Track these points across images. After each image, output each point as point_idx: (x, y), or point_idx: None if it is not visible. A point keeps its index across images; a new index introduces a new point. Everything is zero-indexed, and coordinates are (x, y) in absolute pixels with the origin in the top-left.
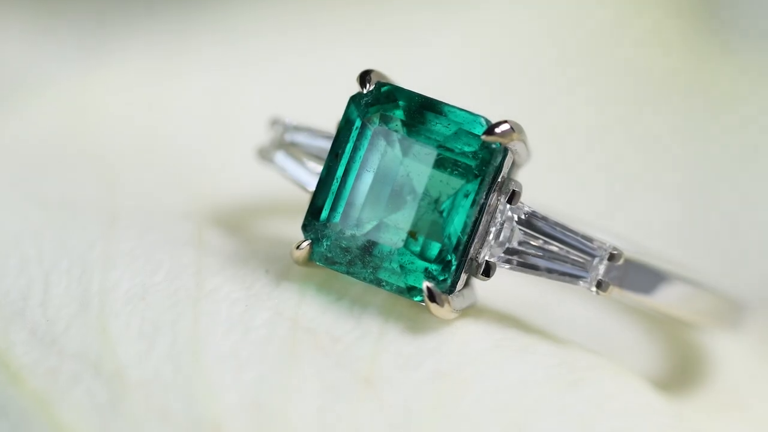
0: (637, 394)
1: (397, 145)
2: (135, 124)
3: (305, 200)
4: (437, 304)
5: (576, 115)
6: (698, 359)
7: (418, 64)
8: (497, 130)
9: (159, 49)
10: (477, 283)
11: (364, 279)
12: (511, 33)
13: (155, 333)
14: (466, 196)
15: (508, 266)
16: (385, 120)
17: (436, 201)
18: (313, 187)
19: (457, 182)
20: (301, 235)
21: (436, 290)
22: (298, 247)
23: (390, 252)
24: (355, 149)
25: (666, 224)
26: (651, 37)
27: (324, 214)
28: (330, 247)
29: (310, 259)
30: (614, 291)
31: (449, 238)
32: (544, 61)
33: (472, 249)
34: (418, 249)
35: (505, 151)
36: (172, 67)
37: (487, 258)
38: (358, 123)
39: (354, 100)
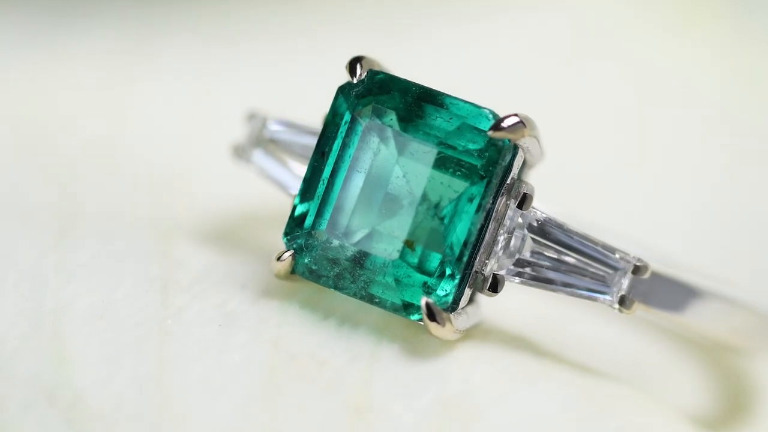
0: (667, 427)
1: (392, 142)
2: (94, 120)
3: (287, 205)
4: (437, 323)
5: (593, 110)
6: (741, 388)
7: (417, 53)
8: (506, 124)
9: (123, 39)
10: (483, 299)
11: (355, 295)
12: (521, 22)
13: (117, 357)
14: (471, 200)
15: (518, 280)
16: (378, 113)
17: (437, 206)
18: (295, 190)
19: (460, 184)
20: (282, 245)
21: (437, 307)
22: (278, 259)
23: (384, 264)
24: (343, 147)
25: (697, 232)
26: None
27: (308, 221)
28: (315, 259)
29: (293, 272)
30: (639, 308)
31: (451, 248)
32: (556, 50)
33: (477, 260)
34: (415, 261)
35: (515, 148)
36: (137, 57)
37: (494, 271)
38: (347, 117)
39: (342, 90)
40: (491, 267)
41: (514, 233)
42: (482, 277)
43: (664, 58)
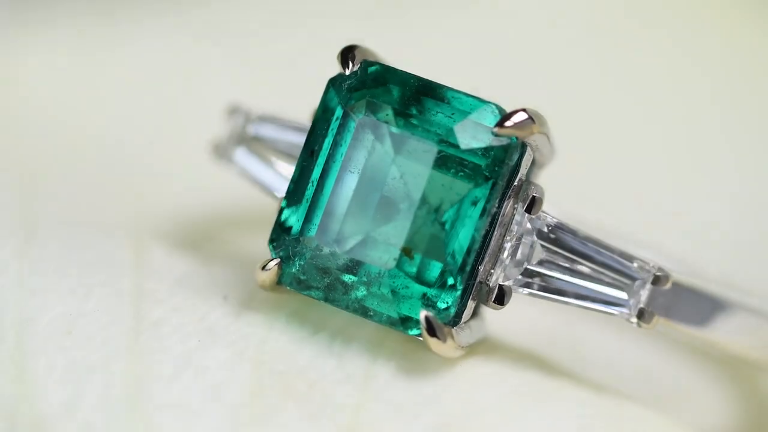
0: None
1: (388, 140)
2: (58, 112)
3: (272, 209)
4: (438, 338)
5: (608, 104)
6: None
7: (415, 42)
8: (513, 120)
9: (93, 24)
10: (488, 312)
11: (347, 308)
12: (531, 8)
13: (85, 376)
14: (475, 203)
15: (526, 291)
16: (372, 108)
17: (437, 210)
18: (282, 193)
19: (462, 186)
20: (267, 253)
21: (437, 321)
22: (264, 268)
23: (379, 274)
24: (335, 145)
25: (723, 239)
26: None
27: (296, 227)
28: (304, 268)
29: (279, 282)
30: (660, 322)
31: (453, 256)
32: (570, 38)
33: (481, 270)
34: (414, 270)
35: (523, 147)
36: (107, 42)
37: (500, 281)
38: (338, 112)
39: (334, 83)
40: (497, 277)
41: (522, 240)
42: (487, 288)
43: (692, 50)
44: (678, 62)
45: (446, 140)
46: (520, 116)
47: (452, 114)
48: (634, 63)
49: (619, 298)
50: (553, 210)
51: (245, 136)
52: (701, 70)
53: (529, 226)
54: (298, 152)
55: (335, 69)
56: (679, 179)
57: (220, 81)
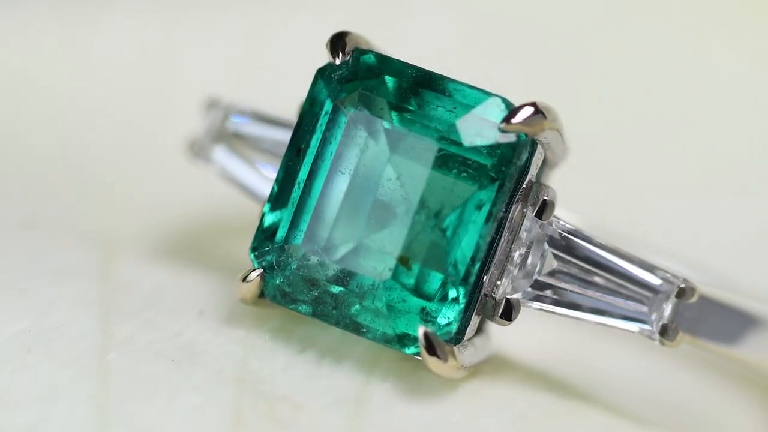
0: None
1: (383, 137)
2: (20, 106)
3: (255, 213)
4: (438, 357)
5: (627, 96)
6: None
7: (413, 29)
8: (522, 115)
9: (61, 8)
10: (494, 328)
11: (337, 323)
12: None
13: (48, 398)
14: (479, 207)
15: (537, 305)
16: (365, 102)
17: (437, 215)
18: (265, 195)
19: (465, 188)
20: (249, 263)
21: (437, 339)
22: (245, 279)
23: (373, 286)
24: (323, 142)
25: (755, 248)
26: None
27: (281, 234)
28: (289, 279)
29: (262, 295)
30: (685, 340)
31: (455, 266)
32: (587, 22)
33: (487, 281)
34: (411, 281)
35: (533, 144)
36: (75, 25)
37: (508, 294)
38: (328, 106)
39: (323, 73)
40: (504, 289)
41: (532, 248)
42: (493, 302)
43: (722, 48)
44: (710, 61)
45: (447, 137)
46: (530, 111)
47: (454, 108)
48: (659, 53)
49: (639, 313)
50: (566, 215)
51: (225, 132)
52: (733, 70)
53: (539, 232)
54: (282, 150)
55: (324, 58)
56: (708, 180)
57: (198, 72)
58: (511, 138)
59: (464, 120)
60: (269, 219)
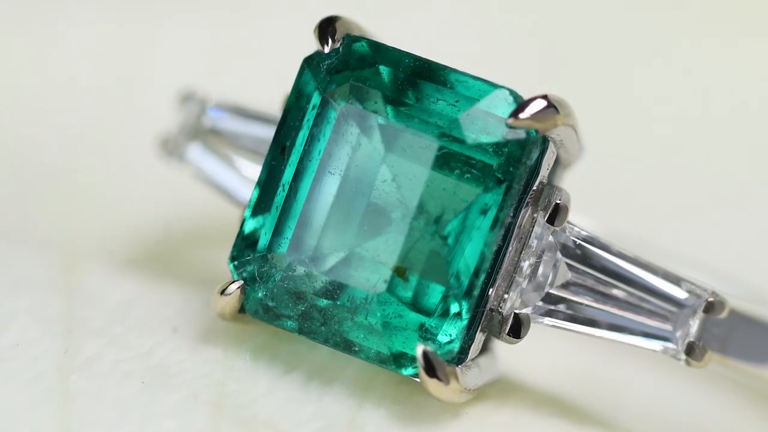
0: None
1: (377, 134)
2: None
3: (234, 219)
4: (438, 379)
5: (647, 90)
6: None
7: (410, 12)
8: (532, 109)
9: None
10: (501, 347)
11: (326, 341)
12: None
13: (6, 423)
14: (484, 212)
15: (549, 321)
16: (358, 94)
17: (437, 220)
18: (246, 198)
19: (469, 191)
20: (228, 274)
21: (437, 359)
22: (223, 292)
23: (366, 299)
24: (311, 140)
25: None
26: None
27: (263, 241)
28: (273, 292)
29: (242, 310)
30: (714, 359)
31: (457, 277)
32: (607, 9)
33: (492, 295)
34: (409, 295)
35: (544, 142)
36: (38, 19)
37: (516, 309)
38: (316, 99)
39: (310, 63)
40: (512, 303)
41: (543, 257)
42: (500, 318)
43: (741, 50)
44: (738, 65)
45: (449, 134)
46: (541, 104)
47: (456, 101)
48: (683, 45)
49: (663, 330)
50: (581, 220)
51: (201, 128)
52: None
53: (551, 240)
54: (265, 149)
55: (312, 46)
56: (738, 186)
57: (172, 61)
58: (519, 135)
59: (467, 115)
60: (250, 225)
